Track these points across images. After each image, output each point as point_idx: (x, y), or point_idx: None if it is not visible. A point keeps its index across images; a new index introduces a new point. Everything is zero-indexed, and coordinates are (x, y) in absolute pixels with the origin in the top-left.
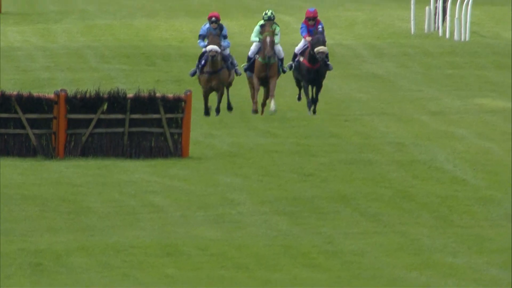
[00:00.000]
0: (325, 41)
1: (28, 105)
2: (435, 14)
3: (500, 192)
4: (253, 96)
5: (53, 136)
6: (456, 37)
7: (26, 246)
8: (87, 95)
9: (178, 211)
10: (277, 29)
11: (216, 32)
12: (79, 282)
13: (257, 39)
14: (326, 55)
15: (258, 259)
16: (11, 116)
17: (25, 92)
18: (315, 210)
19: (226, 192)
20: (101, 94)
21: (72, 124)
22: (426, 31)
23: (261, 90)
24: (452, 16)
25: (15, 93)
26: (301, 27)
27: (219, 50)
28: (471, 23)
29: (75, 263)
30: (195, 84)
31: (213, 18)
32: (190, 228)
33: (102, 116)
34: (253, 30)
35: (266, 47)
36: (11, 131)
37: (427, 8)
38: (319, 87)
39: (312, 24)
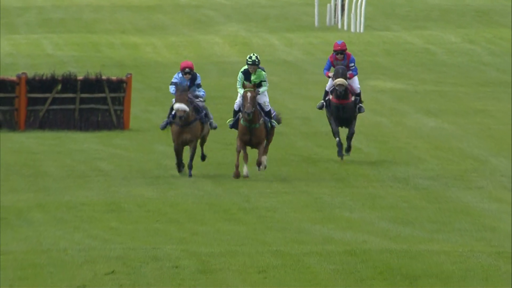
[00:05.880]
0: (345, 74)
1: None
2: (335, 10)
3: (389, 157)
4: (236, 159)
5: (15, 112)
6: (352, 29)
7: None
8: (44, 77)
9: (121, 175)
10: (263, 75)
11: (185, 86)
12: (37, 233)
13: (242, 90)
14: (358, 94)
15: (187, 215)
16: None
17: None
18: None
19: (160, 159)
20: (56, 77)
21: (31, 102)
22: (328, 24)
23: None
24: (349, 11)
25: None
26: (326, 63)
27: (187, 109)
28: (365, 17)
29: (34, 218)
30: (135, 68)
31: (187, 69)
32: (131, 188)
33: (57, 95)
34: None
35: (246, 103)
36: None
37: (328, 5)
38: (349, 128)
39: (341, 58)
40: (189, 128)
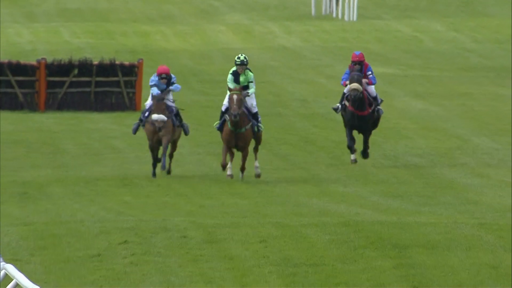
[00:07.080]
0: (360, 80)
1: (16, 70)
2: (330, 0)
3: (380, 137)
4: (223, 158)
5: (36, 95)
6: (346, 18)
7: (15, 179)
8: (62, 62)
9: (133, 152)
10: (251, 76)
11: (162, 95)
12: (56, 206)
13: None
14: (375, 97)
15: (194, 189)
16: (3, 79)
17: (14, 60)
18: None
19: None
20: (73, 62)
21: (50, 85)
22: (323, 13)
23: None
24: (344, 1)
25: (6, 61)
26: (345, 73)
27: (165, 119)
28: (358, 7)
29: (54, 192)
30: (146, 54)
31: (163, 75)
32: (142, 165)
33: (74, 79)
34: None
35: (232, 105)
36: (3, 90)
37: None
38: (365, 133)
39: (358, 69)
40: (162, 126)
